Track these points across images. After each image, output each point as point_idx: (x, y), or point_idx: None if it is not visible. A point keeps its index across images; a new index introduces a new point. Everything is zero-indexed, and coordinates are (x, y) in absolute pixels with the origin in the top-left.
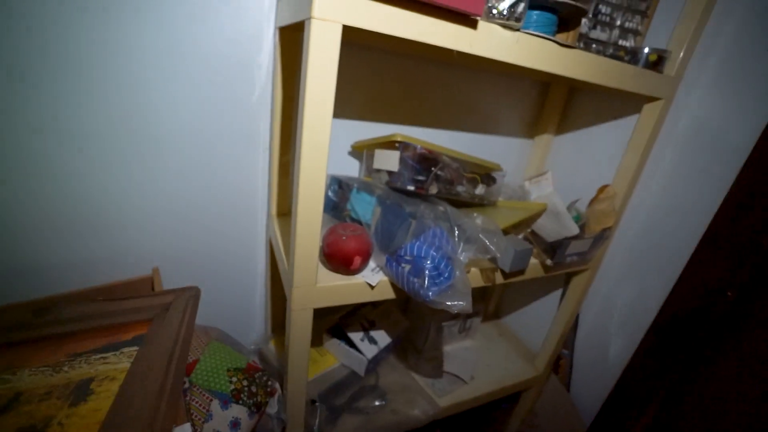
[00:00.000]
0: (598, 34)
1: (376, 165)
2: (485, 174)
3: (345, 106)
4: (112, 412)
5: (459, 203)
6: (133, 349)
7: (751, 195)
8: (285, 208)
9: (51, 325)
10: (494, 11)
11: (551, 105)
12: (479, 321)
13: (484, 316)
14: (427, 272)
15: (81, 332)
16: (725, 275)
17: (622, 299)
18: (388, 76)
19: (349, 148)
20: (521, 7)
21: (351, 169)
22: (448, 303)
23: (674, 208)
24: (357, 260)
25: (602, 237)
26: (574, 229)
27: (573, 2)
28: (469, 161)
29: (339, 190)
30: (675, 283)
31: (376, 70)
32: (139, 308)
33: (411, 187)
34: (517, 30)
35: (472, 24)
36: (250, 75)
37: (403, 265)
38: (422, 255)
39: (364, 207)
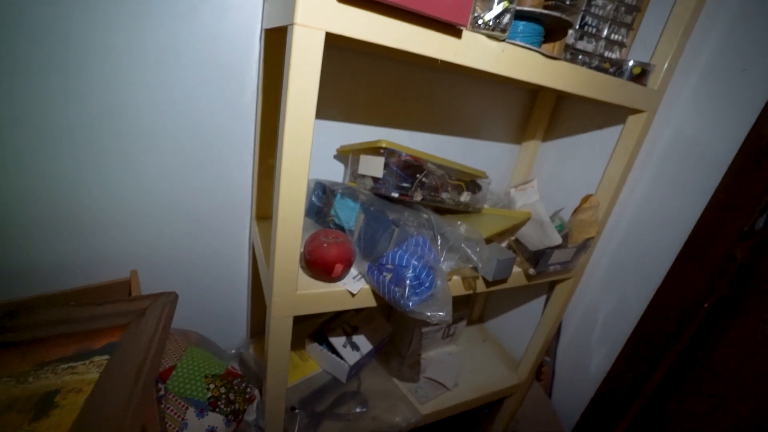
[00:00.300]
0: (584, 45)
1: (361, 170)
2: (471, 181)
3: (330, 108)
4: (74, 427)
5: (444, 210)
6: (104, 358)
7: (727, 208)
8: (267, 211)
9: (19, 330)
10: (480, 21)
11: (539, 111)
12: (464, 326)
13: (469, 320)
14: (408, 282)
15: (50, 339)
16: (702, 287)
17: (604, 308)
18: (374, 79)
19: (334, 152)
20: (507, 17)
21: (337, 172)
22: (428, 313)
23: (656, 220)
24: (338, 268)
25: (585, 246)
26: (557, 239)
27: (559, 15)
28: (454, 168)
29: (323, 196)
30: (654, 294)
31: (362, 72)
32: (113, 314)
33: (395, 194)
34: (503, 40)
35: (457, 33)
36: (240, 76)
37: (384, 273)
38: (404, 264)
39: (348, 213)
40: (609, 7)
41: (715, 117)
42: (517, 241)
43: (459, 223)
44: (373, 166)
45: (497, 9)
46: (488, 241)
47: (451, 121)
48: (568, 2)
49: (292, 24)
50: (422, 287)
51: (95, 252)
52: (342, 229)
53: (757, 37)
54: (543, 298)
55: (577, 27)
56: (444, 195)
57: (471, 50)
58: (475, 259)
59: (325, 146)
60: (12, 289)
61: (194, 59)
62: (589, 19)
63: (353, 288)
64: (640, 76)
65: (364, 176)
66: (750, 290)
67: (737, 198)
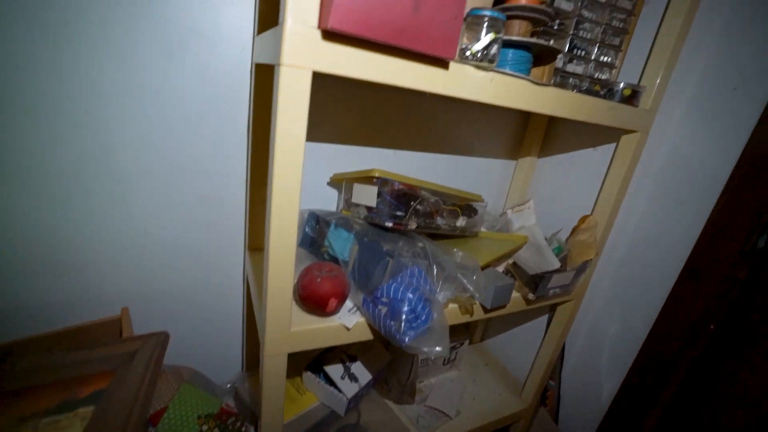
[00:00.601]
0: (573, 68)
1: (355, 199)
2: (466, 205)
3: (321, 130)
4: None
5: (440, 236)
6: (89, 410)
7: (726, 227)
8: (260, 242)
9: (2, 379)
10: (468, 53)
11: (533, 128)
12: (465, 350)
13: (470, 342)
14: (403, 316)
15: (34, 389)
16: (706, 308)
17: (608, 330)
18: (364, 103)
19: (327, 178)
20: (494, 48)
21: (330, 199)
22: (425, 349)
23: (655, 239)
24: (332, 302)
25: (584, 268)
26: (555, 263)
27: (547, 43)
28: (449, 193)
29: (317, 226)
30: (658, 316)
31: (351, 97)
32: (101, 358)
33: (389, 224)
34: (491, 70)
35: (444, 65)
36: (232, 110)
37: (380, 307)
38: (399, 297)
39: (342, 244)
40: (596, 30)
41: (709, 135)
42: (515, 264)
43: (455, 250)
44: (366, 196)
45: (485, 41)
46: (485, 266)
47: (443, 139)
48: (555, 27)
49: (278, 65)
50: (418, 321)
51: (86, 289)
52: (336, 260)
53: (746, 57)
54: (545, 317)
55: (566, 50)
56: (439, 221)
57: (459, 81)
58: (471, 288)
59: (317, 172)
60: (1, 330)
61: (185, 95)
62: (577, 42)
63: (348, 322)
64: (631, 97)
65: (357, 205)
66: (754, 310)
67: (735, 217)
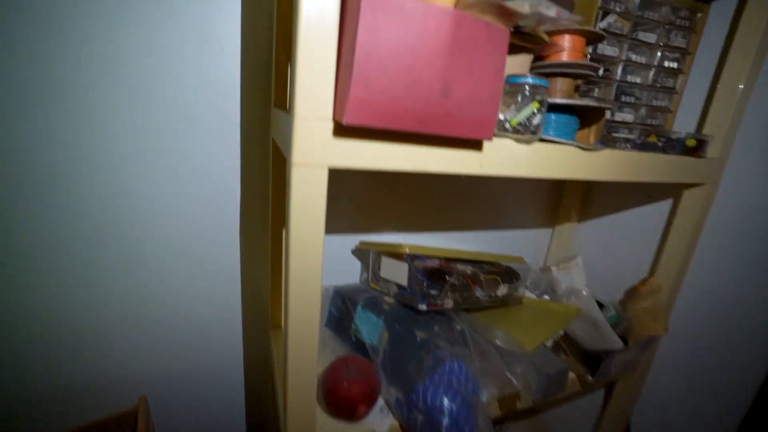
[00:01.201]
0: (623, 116)
1: (384, 274)
2: (506, 270)
3: (343, 221)
4: None
5: (480, 306)
6: None
7: None
8: (278, 320)
9: None
10: (507, 125)
11: (571, 192)
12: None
13: None
14: (444, 430)
15: None
16: None
17: (677, 415)
18: (388, 187)
19: (352, 245)
20: (538, 118)
21: (353, 265)
22: None
23: (731, 305)
24: (361, 409)
25: (650, 344)
26: (617, 343)
27: (597, 104)
28: (486, 260)
29: (342, 306)
30: (744, 417)
31: (374, 182)
32: None
33: (423, 306)
34: (534, 141)
35: (479, 146)
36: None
37: (415, 413)
38: (438, 405)
39: (371, 328)
40: (646, 74)
41: None
42: (566, 337)
43: (498, 333)
44: (396, 272)
45: (525, 112)
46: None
47: (473, 216)
48: (600, 74)
49: (290, 163)
50: None
51: (101, 378)
52: (363, 345)
53: None
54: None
55: (613, 98)
56: (478, 293)
57: (497, 159)
58: (517, 385)
59: (340, 245)
60: (12, 423)
61: (194, 171)
62: (625, 88)
63: (380, 427)
64: (697, 148)
65: (387, 280)
66: None
67: None
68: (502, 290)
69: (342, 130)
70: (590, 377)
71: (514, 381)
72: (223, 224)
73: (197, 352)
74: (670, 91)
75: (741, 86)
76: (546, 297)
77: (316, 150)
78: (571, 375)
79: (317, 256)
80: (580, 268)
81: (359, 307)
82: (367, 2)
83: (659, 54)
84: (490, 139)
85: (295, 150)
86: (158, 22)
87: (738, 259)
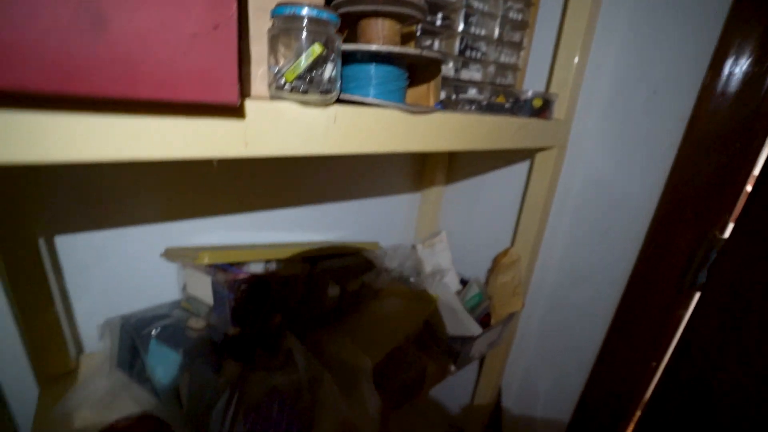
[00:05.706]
0: (471, 74)
1: (191, 290)
2: (359, 261)
3: (145, 207)
4: None
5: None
6: None
7: (660, 260)
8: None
9: None
10: (282, 80)
11: (435, 154)
12: None
13: None
14: None
15: None
16: (644, 356)
17: (542, 380)
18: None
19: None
20: (329, 69)
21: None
22: None
23: (583, 275)
24: None
25: (509, 320)
26: (476, 329)
27: (418, 53)
28: (327, 254)
29: (129, 338)
30: (593, 366)
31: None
32: None
33: (231, 331)
34: (331, 103)
35: (238, 113)
36: None
37: None
38: None
39: (167, 367)
40: (492, 24)
41: (629, 157)
42: (428, 327)
43: (340, 341)
44: (201, 288)
45: (303, 60)
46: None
47: (325, 186)
48: (439, 23)
49: None
50: None
51: None
52: (156, 393)
53: (663, 52)
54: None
55: (457, 54)
56: (313, 301)
57: (274, 131)
58: (356, 423)
59: (150, 248)
60: None
61: None
62: (469, 41)
63: None
64: (543, 108)
65: (196, 299)
66: (698, 352)
67: (669, 249)
68: (353, 285)
69: None
70: (453, 366)
71: (353, 420)
72: None
73: None
74: (518, 46)
75: (580, 41)
76: (412, 279)
77: None
78: (434, 367)
79: None
80: (445, 243)
81: (153, 340)
82: None
83: (503, 2)
84: (234, 101)
85: None
86: None
87: (588, 225)
